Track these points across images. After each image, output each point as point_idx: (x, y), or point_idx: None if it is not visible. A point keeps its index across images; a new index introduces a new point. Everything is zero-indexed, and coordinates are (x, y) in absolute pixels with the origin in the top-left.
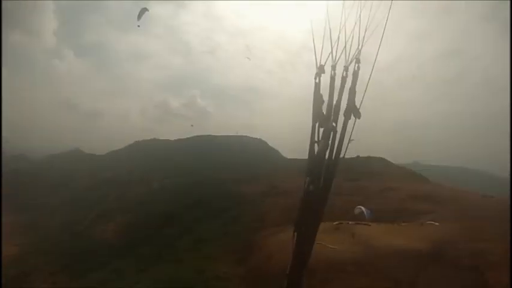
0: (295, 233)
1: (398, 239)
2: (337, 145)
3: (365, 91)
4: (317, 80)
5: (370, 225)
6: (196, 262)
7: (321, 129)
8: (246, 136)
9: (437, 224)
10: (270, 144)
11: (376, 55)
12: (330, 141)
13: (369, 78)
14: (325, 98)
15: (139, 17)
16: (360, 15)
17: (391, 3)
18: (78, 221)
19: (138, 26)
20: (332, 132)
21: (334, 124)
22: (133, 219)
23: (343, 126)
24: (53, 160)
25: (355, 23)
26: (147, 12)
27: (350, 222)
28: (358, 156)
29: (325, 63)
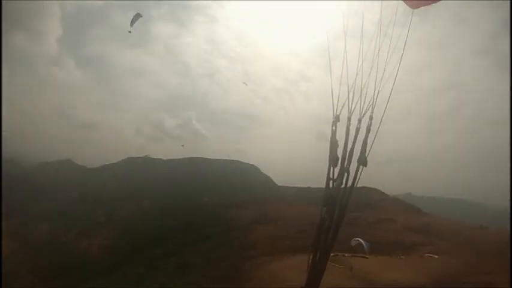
0: (311, 255)
1: (398, 273)
2: (351, 184)
3: (373, 141)
4: (333, 128)
5: (367, 257)
6: None
7: (336, 169)
8: (238, 161)
9: (436, 256)
10: (262, 170)
11: (385, 109)
12: (343, 180)
13: (377, 131)
14: (340, 143)
15: (132, 22)
16: (376, 63)
17: (402, 56)
18: (63, 233)
19: (130, 31)
20: (346, 173)
21: (348, 166)
22: (119, 237)
23: (356, 170)
24: (43, 168)
25: (371, 70)
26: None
27: (346, 254)
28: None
29: (341, 112)
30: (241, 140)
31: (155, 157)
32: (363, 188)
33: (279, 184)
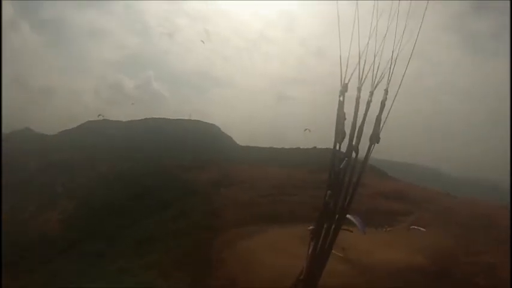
0: (312, 242)
1: (390, 252)
2: (361, 165)
3: (386, 117)
4: (341, 98)
5: (352, 231)
6: (140, 277)
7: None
8: (198, 121)
9: (423, 229)
10: (223, 130)
11: (401, 80)
12: (351, 160)
13: (391, 106)
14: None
15: None
16: (393, 24)
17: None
18: (23, 207)
19: None
20: (354, 152)
21: (356, 144)
22: (78, 208)
23: (367, 150)
24: (1, 138)
25: (385, 34)
26: None
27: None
28: (315, 148)
29: (349, 80)
30: (202, 100)
31: (114, 119)
32: (327, 149)
33: (241, 144)
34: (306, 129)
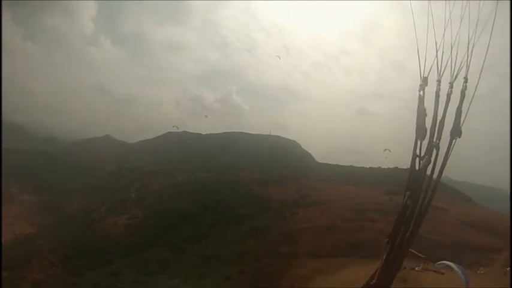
0: (389, 245)
1: None
2: (442, 163)
3: (468, 109)
4: (421, 93)
5: (443, 273)
6: None
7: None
8: (279, 136)
9: None
10: (303, 147)
11: (481, 70)
12: (432, 158)
13: (472, 98)
14: (429, 111)
15: None
16: (468, 14)
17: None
18: (94, 209)
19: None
20: (435, 149)
21: (437, 141)
22: (148, 215)
23: (448, 146)
24: (82, 144)
25: (459, 27)
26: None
27: (417, 268)
28: (396, 168)
29: (429, 73)
30: (281, 114)
31: (194, 132)
32: (405, 170)
33: (320, 161)
34: (385, 149)
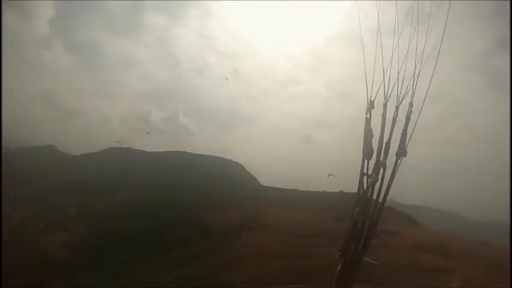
0: (341, 258)
1: None
2: (388, 181)
3: (413, 130)
4: (368, 115)
5: (377, 263)
6: None
7: (370, 163)
8: (222, 158)
9: None
10: (247, 169)
11: (426, 93)
12: (379, 176)
13: (416, 121)
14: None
15: None
16: (414, 42)
17: (444, 29)
18: (30, 224)
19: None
20: (381, 168)
21: (384, 160)
22: (86, 234)
23: (394, 165)
24: (25, 152)
25: (407, 52)
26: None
27: None
28: (341, 192)
29: (375, 98)
30: (227, 137)
31: (138, 148)
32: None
33: (264, 184)
34: (330, 175)
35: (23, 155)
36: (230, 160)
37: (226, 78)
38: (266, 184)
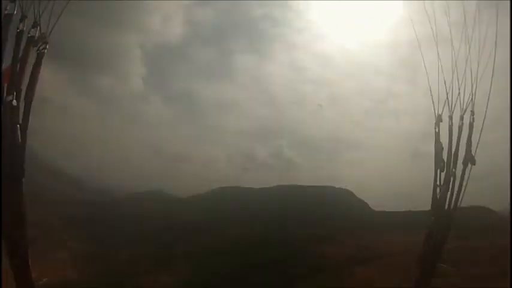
0: (422, 268)
1: None
2: (457, 190)
3: (478, 141)
4: (436, 130)
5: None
6: None
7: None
8: (331, 186)
9: None
10: (356, 195)
11: (487, 104)
12: (450, 186)
13: (481, 129)
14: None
15: None
16: (469, 57)
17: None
18: (137, 261)
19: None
20: (452, 178)
21: (454, 170)
22: (190, 273)
23: (462, 173)
24: (133, 197)
25: (466, 65)
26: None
27: None
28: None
29: (442, 112)
30: (334, 165)
31: (246, 186)
32: (471, 207)
33: (376, 209)
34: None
35: (132, 200)
36: (339, 188)
37: (320, 104)
38: (377, 209)
